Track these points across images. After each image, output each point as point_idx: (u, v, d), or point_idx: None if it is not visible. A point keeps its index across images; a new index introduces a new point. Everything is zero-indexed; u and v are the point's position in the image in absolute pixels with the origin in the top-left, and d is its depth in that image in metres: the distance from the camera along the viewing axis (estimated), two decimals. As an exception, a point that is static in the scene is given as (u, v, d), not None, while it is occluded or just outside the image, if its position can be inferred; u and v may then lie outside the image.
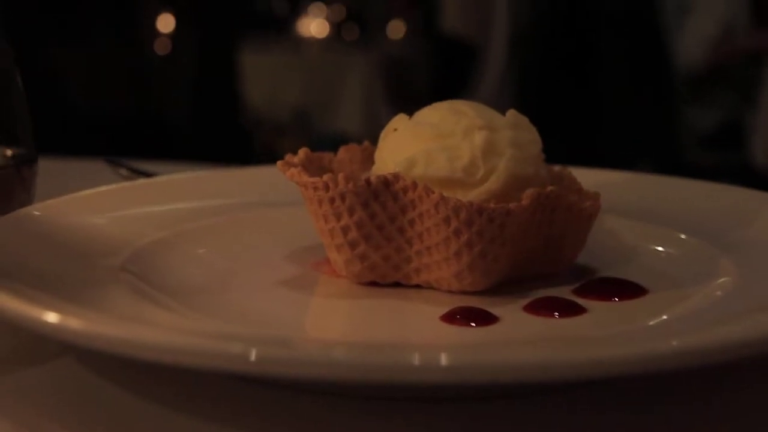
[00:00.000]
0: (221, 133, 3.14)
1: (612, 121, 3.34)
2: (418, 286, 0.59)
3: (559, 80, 3.35)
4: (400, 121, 0.63)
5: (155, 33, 3.46)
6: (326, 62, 3.95)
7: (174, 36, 3.41)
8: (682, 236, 0.66)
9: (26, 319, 0.44)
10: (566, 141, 3.38)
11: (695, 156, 3.29)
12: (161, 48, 3.37)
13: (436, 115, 0.62)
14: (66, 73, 3.02)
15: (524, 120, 0.63)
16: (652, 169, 3.45)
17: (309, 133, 3.85)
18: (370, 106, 3.72)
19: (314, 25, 4.30)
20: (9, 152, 0.71)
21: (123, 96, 3.11)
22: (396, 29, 4.22)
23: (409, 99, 3.62)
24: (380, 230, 0.58)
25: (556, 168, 0.67)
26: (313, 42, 4.18)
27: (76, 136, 2.56)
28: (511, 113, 0.63)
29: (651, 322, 0.53)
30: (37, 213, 0.63)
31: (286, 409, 0.46)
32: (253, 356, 0.39)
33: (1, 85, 0.70)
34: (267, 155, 3.73)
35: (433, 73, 3.89)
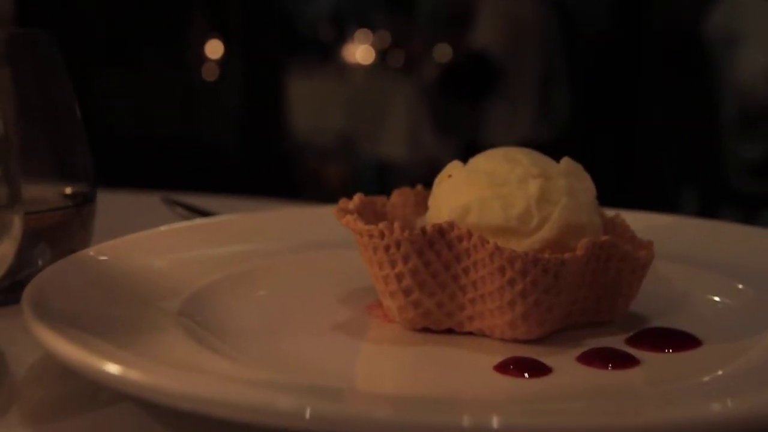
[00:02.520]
0: (266, 157, 3.16)
1: (657, 152, 3.32)
2: (470, 333, 0.60)
3: (605, 111, 3.34)
4: (454, 167, 0.64)
5: (203, 59, 3.50)
6: (371, 88, 3.98)
7: (222, 62, 3.45)
8: (739, 286, 0.65)
9: (86, 367, 0.45)
10: (612, 170, 3.37)
11: (742, 184, 3.26)
12: (209, 74, 3.42)
13: (490, 162, 0.62)
14: (113, 99, 3.07)
15: (578, 167, 0.63)
16: (699, 198, 3.41)
17: (353, 158, 3.86)
18: (415, 132, 3.73)
19: (359, 51, 4.33)
20: (68, 190, 0.72)
21: (170, 121, 3.16)
22: (443, 53, 4.22)
23: (454, 125, 3.63)
24: (434, 278, 0.58)
25: (610, 214, 0.67)
26: (358, 68, 4.21)
27: (124, 162, 2.60)
28: (565, 161, 0.63)
29: (706, 378, 0.52)
30: (95, 255, 0.64)
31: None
32: (307, 414, 0.40)
33: (62, 119, 0.71)
34: (311, 180, 3.76)
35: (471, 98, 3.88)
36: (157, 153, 2.92)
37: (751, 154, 3.24)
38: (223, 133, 3.29)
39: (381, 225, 0.58)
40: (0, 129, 0.50)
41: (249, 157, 3.15)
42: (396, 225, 0.58)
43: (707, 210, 3.26)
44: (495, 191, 0.60)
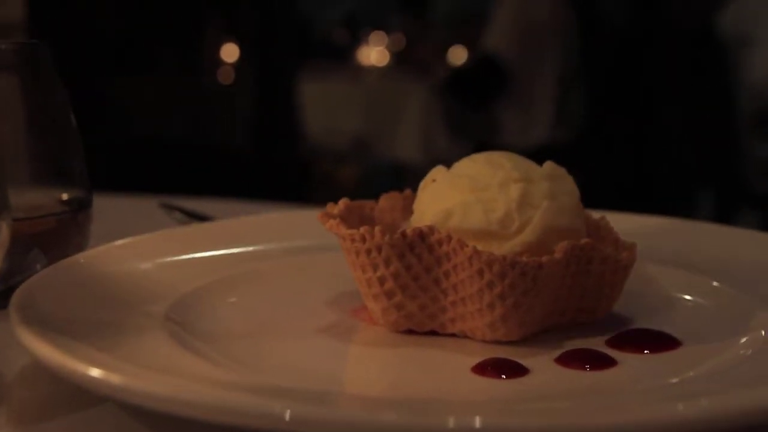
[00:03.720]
0: (280, 160, 3.18)
1: (673, 153, 3.31)
2: (453, 335, 0.61)
3: (621, 112, 3.34)
4: (438, 172, 0.65)
5: (219, 62, 3.53)
6: (385, 90, 3.99)
7: (237, 65, 3.47)
8: (716, 285, 0.66)
9: (68, 371, 0.47)
10: (627, 172, 3.36)
11: (759, 185, 3.24)
12: (224, 78, 3.44)
13: (473, 167, 0.63)
14: (127, 101, 3.09)
15: (561, 171, 0.64)
16: (715, 199, 3.39)
17: (367, 161, 3.88)
18: (429, 135, 3.74)
19: (374, 54, 4.34)
20: (65, 196, 0.73)
21: (184, 124, 3.18)
22: (457, 55, 4.23)
23: (468, 128, 3.63)
24: (416, 281, 0.59)
25: (595, 216, 0.68)
26: (372, 70, 4.22)
27: (136, 164, 2.62)
28: (548, 164, 0.64)
29: (681, 378, 0.53)
30: (84, 261, 0.65)
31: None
32: (287, 416, 0.41)
33: (57, 126, 0.72)
34: (325, 183, 3.78)
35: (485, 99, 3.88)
36: (171, 156, 2.94)
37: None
38: (238, 137, 3.31)
39: (362, 229, 0.59)
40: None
41: (263, 160, 3.17)
42: (377, 229, 0.59)
43: (724, 210, 3.25)
44: (477, 195, 0.61)
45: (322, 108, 3.74)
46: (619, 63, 3.45)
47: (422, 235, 0.58)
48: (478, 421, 0.42)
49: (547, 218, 0.60)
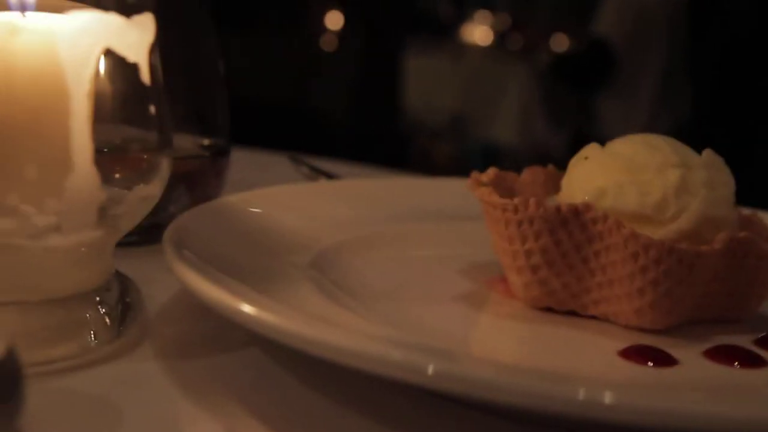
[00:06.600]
0: (379, 132, 3.18)
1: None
2: (593, 317, 0.59)
3: (727, 110, 3.24)
4: (591, 149, 0.63)
5: (323, 29, 3.54)
6: (487, 70, 3.95)
7: (341, 34, 3.48)
8: None
9: (224, 306, 0.46)
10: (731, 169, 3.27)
11: None
12: (328, 45, 3.45)
13: (629, 147, 0.61)
14: (235, 65, 3.12)
15: (719, 160, 0.62)
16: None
17: (463, 139, 3.85)
18: (526, 118, 3.69)
19: (478, 32, 4.30)
20: (206, 141, 0.74)
21: (287, 88, 3.20)
22: (561, 41, 4.16)
23: (566, 114, 3.58)
24: (564, 258, 0.58)
25: (747, 212, 0.65)
26: (475, 49, 4.18)
27: (245, 125, 2.65)
28: (707, 152, 0.62)
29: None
30: (229, 205, 0.66)
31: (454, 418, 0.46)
32: (430, 370, 0.41)
33: (206, 74, 0.73)
34: (421, 158, 3.77)
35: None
36: (274, 118, 2.96)
37: None
38: (338, 105, 3.32)
39: (517, 199, 0.58)
40: (158, 76, 0.51)
41: (362, 130, 3.17)
42: (532, 201, 0.58)
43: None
44: (632, 177, 0.59)
45: (423, 83, 3.72)
46: (730, 60, 3.35)
47: (577, 211, 0.57)
48: (616, 397, 0.40)
49: (705, 207, 0.58)
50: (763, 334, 0.58)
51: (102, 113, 0.48)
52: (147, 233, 0.61)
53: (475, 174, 0.65)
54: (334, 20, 3.61)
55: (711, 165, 0.61)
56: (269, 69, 3.15)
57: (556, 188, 0.65)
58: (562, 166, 0.66)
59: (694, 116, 3.24)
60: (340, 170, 0.96)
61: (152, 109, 0.52)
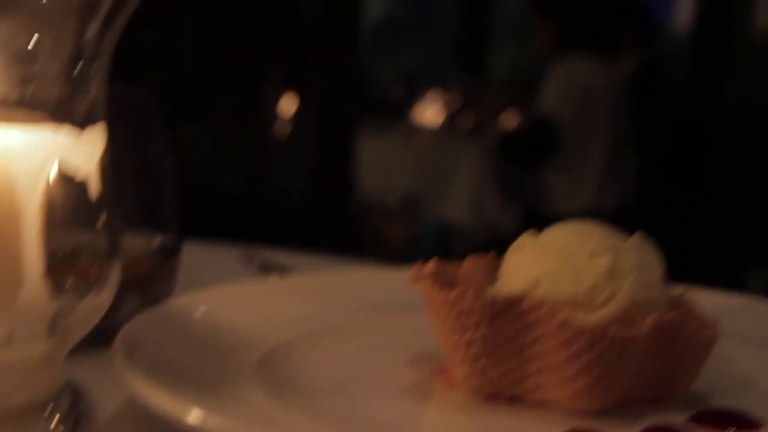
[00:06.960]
0: (333, 215, 3.20)
1: (726, 225, 3.28)
2: (534, 402, 0.61)
3: (673, 182, 3.32)
4: (526, 238, 0.66)
5: (275, 115, 3.58)
6: (438, 150, 4.01)
7: (294, 119, 3.52)
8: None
9: (172, 418, 0.48)
10: (677, 243, 3.34)
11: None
12: (280, 131, 3.49)
13: (562, 236, 0.64)
14: (186, 154, 3.13)
15: (648, 244, 0.65)
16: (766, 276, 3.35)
17: (416, 220, 3.89)
18: (479, 196, 3.75)
19: (429, 113, 4.38)
20: (157, 240, 0.75)
21: (241, 177, 3.22)
22: (511, 119, 4.24)
23: (518, 191, 3.64)
24: (502, 347, 0.60)
25: (677, 291, 0.68)
26: (427, 130, 4.25)
27: (197, 216, 2.65)
28: (636, 236, 0.65)
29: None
30: (179, 307, 0.67)
31: None
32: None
33: (155, 171, 0.74)
34: (374, 239, 3.80)
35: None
36: (227, 205, 2.97)
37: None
38: (292, 189, 3.34)
39: (454, 292, 0.60)
40: (108, 184, 0.53)
41: (315, 213, 3.19)
42: (470, 293, 0.60)
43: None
44: (566, 264, 0.62)
45: (376, 164, 3.77)
46: (675, 131, 3.44)
47: (512, 301, 0.59)
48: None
49: (635, 291, 0.61)
50: (695, 411, 0.61)
51: (52, 222, 0.49)
52: (96, 337, 0.62)
53: (417, 266, 0.67)
54: (288, 105, 3.65)
55: (640, 249, 0.64)
56: (221, 158, 3.17)
57: (496, 276, 0.68)
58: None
59: (639, 187, 3.31)
60: (292, 262, 0.98)
61: (103, 217, 0.53)
